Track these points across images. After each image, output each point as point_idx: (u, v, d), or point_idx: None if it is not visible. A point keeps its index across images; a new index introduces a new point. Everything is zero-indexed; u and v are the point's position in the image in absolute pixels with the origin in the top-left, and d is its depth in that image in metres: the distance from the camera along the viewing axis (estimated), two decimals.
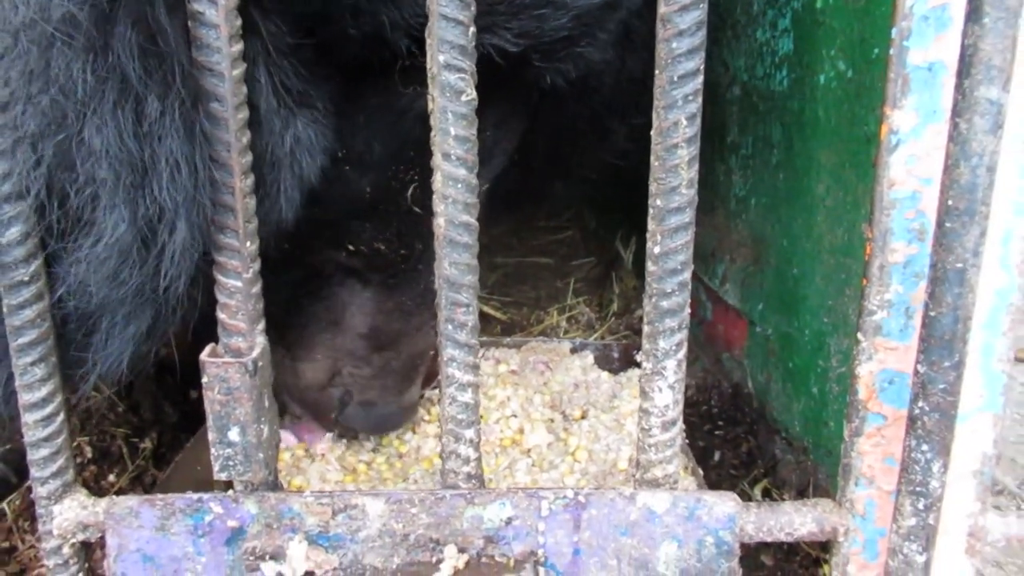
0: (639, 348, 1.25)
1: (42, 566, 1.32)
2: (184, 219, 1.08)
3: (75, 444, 1.99)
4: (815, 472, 1.93)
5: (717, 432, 2.38)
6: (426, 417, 1.99)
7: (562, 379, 2.06)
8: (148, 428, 2.18)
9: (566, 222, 4.15)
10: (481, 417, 1.93)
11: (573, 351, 2.20)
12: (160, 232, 1.09)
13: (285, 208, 1.24)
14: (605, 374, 2.10)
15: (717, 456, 2.28)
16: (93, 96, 1.02)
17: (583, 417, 1.92)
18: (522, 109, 1.69)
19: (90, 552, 1.43)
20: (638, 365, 1.30)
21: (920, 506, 1.18)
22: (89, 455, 2.01)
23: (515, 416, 1.91)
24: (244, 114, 1.10)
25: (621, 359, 2.19)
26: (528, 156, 1.88)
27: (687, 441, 1.75)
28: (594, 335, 2.75)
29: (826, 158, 1.87)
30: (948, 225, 1.06)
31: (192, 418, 2.09)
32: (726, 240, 2.48)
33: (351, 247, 1.62)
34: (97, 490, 2.01)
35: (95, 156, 1.04)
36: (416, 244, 1.65)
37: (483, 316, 3.05)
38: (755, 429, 2.29)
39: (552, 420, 1.91)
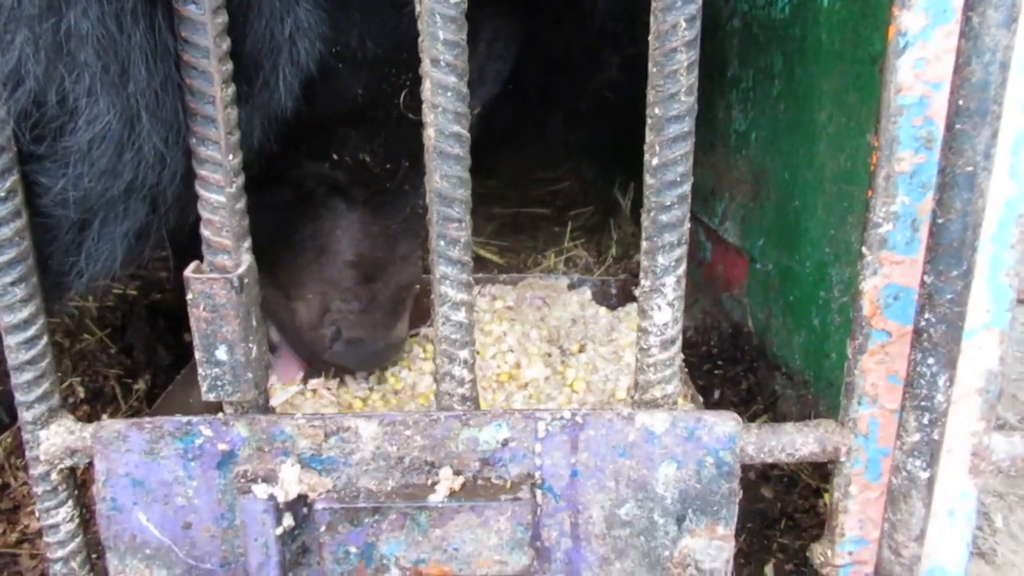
0: (637, 284, 1.21)
1: (35, 501, 1.29)
2: (150, 113, 1.05)
3: (67, 384, 1.97)
4: (815, 404, 1.92)
5: (716, 371, 2.36)
6: (422, 355, 1.96)
7: (559, 314, 2.03)
8: (141, 370, 2.16)
9: (564, 173, 4.10)
10: (477, 352, 1.90)
11: (570, 287, 2.16)
12: (136, 125, 1.05)
13: (284, 96, 1.20)
14: (603, 309, 2.07)
15: (717, 394, 2.27)
16: None
17: (581, 351, 1.89)
18: (514, 28, 1.64)
19: (80, 484, 1.41)
20: (636, 300, 1.27)
21: (925, 421, 1.15)
22: (82, 395, 1.98)
23: (511, 351, 1.88)
24: (223, 18, 1.06)
25: (619, 295, 2.16)
26: (524, 85, 1.84)
27: (686, 371, 1.72)
28: None
29: (828, 84, 1.82)
30: (958, 127, 1.02)
31: (186, 361, 2.06)
32: (725, 178, 2.43)
33: (335, 156, 1.58)
34: None
35: (82, 40, 1.02)
36: (402, 159, 1.61)
37: (480, 260, 3.01)
38: (755, 367, 2.27)
39: (549, 354, 1.88)
